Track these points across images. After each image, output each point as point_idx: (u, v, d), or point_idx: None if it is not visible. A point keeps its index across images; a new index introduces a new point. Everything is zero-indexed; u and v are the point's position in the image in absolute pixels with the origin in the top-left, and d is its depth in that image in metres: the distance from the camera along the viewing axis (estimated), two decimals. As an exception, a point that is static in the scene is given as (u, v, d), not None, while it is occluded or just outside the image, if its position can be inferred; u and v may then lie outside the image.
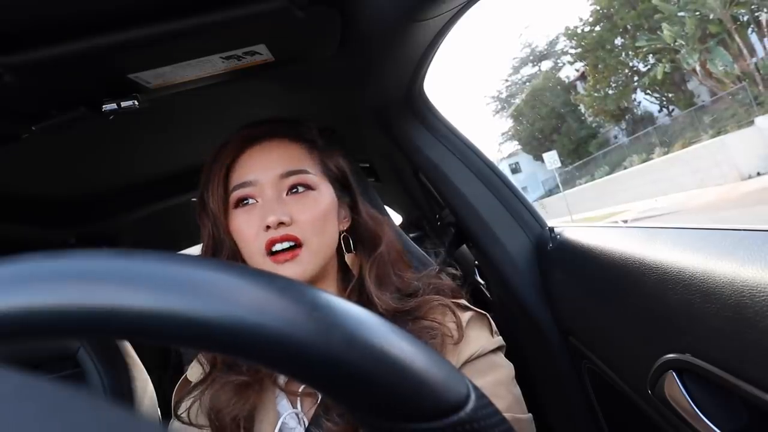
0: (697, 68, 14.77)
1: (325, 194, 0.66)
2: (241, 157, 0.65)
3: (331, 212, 0.65)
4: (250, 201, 0.63)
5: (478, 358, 0.62)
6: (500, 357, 0.64)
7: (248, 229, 0.62)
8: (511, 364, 0.66)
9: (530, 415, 0.62)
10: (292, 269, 0.60)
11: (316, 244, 0.62)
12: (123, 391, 1.24)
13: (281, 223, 0.60)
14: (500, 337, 0.66)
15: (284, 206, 0.62)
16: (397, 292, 0.66)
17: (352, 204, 0.71)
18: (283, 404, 0.64)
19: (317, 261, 0.63)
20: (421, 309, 0.63)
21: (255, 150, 0.65)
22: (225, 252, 0.66)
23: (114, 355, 1.28)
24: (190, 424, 0.64)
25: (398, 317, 0.62)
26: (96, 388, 1.21)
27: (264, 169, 0.63)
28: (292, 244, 0.61)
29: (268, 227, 0.60)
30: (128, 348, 1.34)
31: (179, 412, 0.65)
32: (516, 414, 0.59)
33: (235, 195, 0.64)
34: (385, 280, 0.66)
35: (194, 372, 0.70)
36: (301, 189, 0.64)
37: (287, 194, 0.63)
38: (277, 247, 0.61)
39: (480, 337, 0.63)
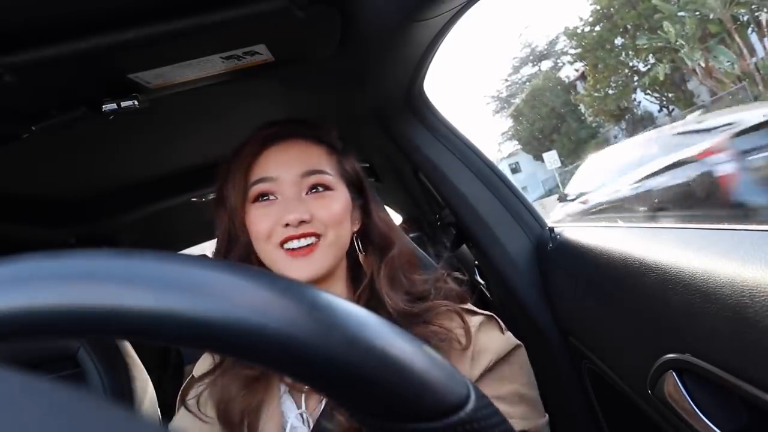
0: (697, 68, 14.77)
1: (342, 195, 0.67)
2: (263, 154, 0.67)
3: (346, 213, 0.67)
4: (270, 197, 0.65)
5: (492, 369, 0.62)
6: (513, 363, 0.64)
7: (264, 224, 0.63)
8: (528, 365, 0.66)
9: (546, 417, 0.63)
10: (308, 264, 0.62)
11: (332, 238, 0.64)
12: (123, 391, 1.24)
13: (302, 222, 0.62)
14: (511, 335, 0.67)
15: (304, 204, 0.64)
16: (407, 295, 0.67)
17: (365, 206, 0.72)
18: (288, 404, 0.64)
19: (332, 256, 0.65)
20: (429, 313, 0.64)
21: (276, 148, 0.67)
22: (239, 247, 0.68)
23: (114, 355, 1.28)
24: (198, 413, 0.65)
25: (407, 320, 0.63)
26: (96, 388, 1.21)
27: (285, 166, 0.65)
28: (310, 241, 0.63)
29: (287, 224, 0.62)
30: (128, 348, 1.34)
31: (188, 399, 0.66)
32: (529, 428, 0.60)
33: (255, 190, 0.65)
34: (396, 281, 0.67)
35: (203, 365, 0.71)
36: (320, 189, 0.66)
37: (306, 193, 0.65)
38: (294, 244, 0.62)
39: (491, 341, 0.64)
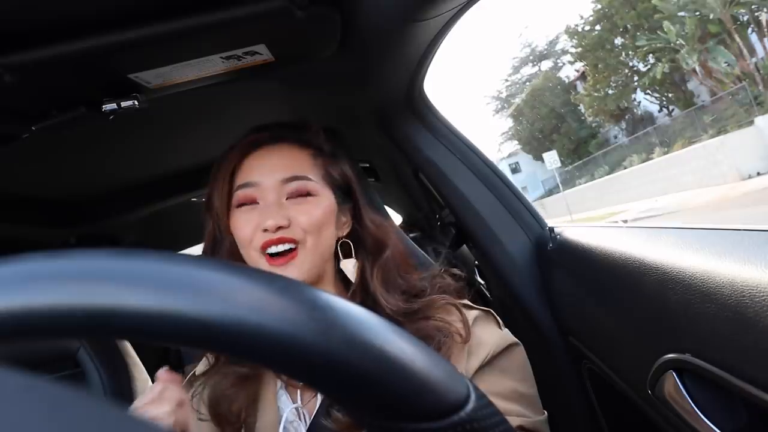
0: (697, 68, 14.76)
1: (325, 200, 0.67)
2: (247, 159, 0.67)
3: (329, 218, 0.67)
4: (252, 202, 0.65)
5: (489, 364, 0.62)
6: (510, 359, 0.65)
7: (246, 229, 0.64)
8: (526, 363, 0.66)
9: (545, 414, 0.63)
10: (287, 271, 0.62)
11: (311, 245, 0.64)
12: (123, 391, 1.24)
13: (279, 227, 0.62)
14: (508, 331, 0.67)
15: (283, 210, 0.63)
16: (404, 294, 0.67)
17: (354, 211, 0.72)
18: (284, 399, 0.64)
19: (313, 262, 0.64)
20: (428, 309, 0.64)
21: (260, 153, 0.67)
22: (224, 250, 0.68)
23: (114, 355, 1.28)
24: (195, 411, 0.65)
25: (407, 317, 0.63)
26: (96, 388, 1.21)
27: (267, 172, 0.65)
28: (288, 247, 0.63)
29: (266, 230, 0.62)
30: (128, 348, 1.34)
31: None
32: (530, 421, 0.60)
33: (238, 195, 0.66)
34: (391, 283, 0.67)
35: (202, 368, 0.71)
36: (301, 194, 0.66)
37: (287, 198, 0.65)
38: (273, 249, 0.62)
39: (488, 335, 0.64)
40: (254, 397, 0.64)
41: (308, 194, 0.66)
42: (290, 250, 0.63)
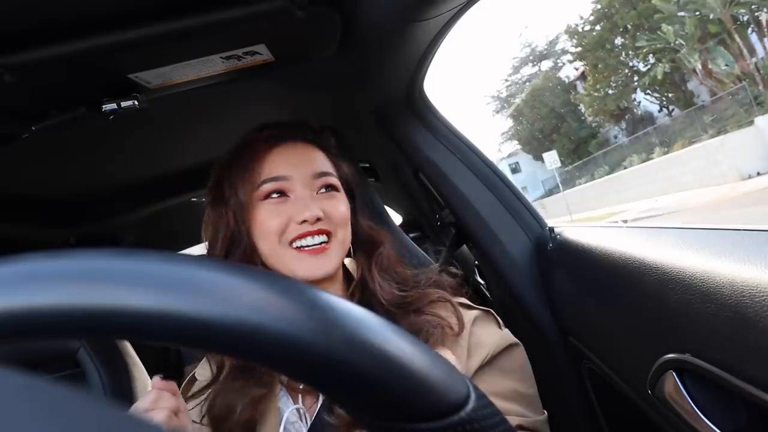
0: (698, 68, 14.76)
1: (344, 197, 0.70)
2: (271, 153, 0.67)
3: (349, 214, 0.69)
4: (281, 195, 0.66)
5: (489, 364, 0.62)
6: (510, 359, 0.65)
7: (275, 221, 0.64)
8: (526, 363, 0.67)
9: (545, 414, 0.63)
10: (321, 262, 0.63)
11: (341, 237, 0.66)
12: (123, 391, 1.24)
13: (318, 219, 0.64)
14: (508, 331, 0.68)
15: (318, 203, 0.65)
16: (398, 284, 0.68)
17: (353, 210, 0.74)
18: (284, 400, 0.65)
19: (341, 255, 0.67)
20: (421, 301, 0.65)
21: (284, 148, 0.68)
22: (242, 246, 0.66)
23: (114, 355, 1.28)
24: (197, 421, 0.65)
25: (400, 308, 0.64)
26: (96, 388, 1.21)
27: (297, 166, 0.67)
28: (323, 239, 0.64)
29: (304, 221, 0.63)
30: (128, 348, 1.34)
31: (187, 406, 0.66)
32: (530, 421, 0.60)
33: (266, 188, 0.65)
34: (388, 274, 0.69)
35: (202, 372, 0.71)
36: (329, 189, 0.68)
37: (317, 193, 0.67)
38: (308, 241, 0.64)
39: (488, 335, 0.64)
40: (262, 412, 0.63)
41: (335, 189, 0.69)
42: (323, 243, 0.64)
